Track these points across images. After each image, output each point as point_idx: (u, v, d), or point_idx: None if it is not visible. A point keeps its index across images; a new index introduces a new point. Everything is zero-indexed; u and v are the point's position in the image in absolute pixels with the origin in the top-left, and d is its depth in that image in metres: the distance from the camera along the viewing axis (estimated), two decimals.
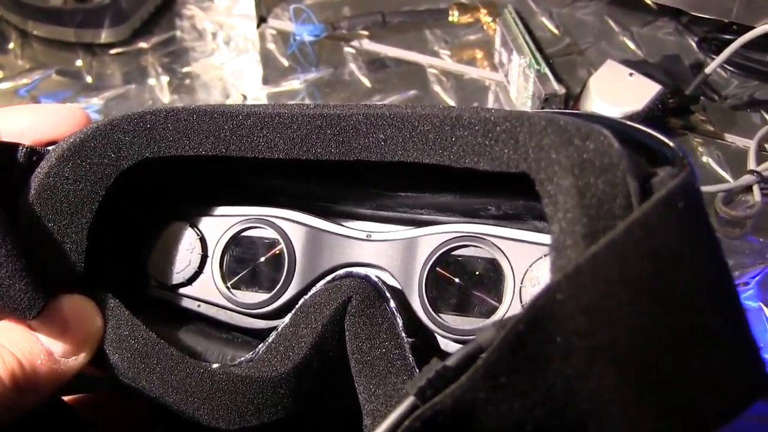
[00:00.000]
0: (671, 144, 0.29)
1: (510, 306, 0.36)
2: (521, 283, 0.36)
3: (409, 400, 0.25)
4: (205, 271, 0.40)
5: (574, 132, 0.27)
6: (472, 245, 0.37)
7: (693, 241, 0.24)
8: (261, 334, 0.40)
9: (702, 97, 0.65)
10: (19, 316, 0.31)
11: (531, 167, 0.28)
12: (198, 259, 0.40)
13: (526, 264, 0.36)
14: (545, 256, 0.35)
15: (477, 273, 0.37)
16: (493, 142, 0.29)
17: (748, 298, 0.55)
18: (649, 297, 0.23)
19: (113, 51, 0.76)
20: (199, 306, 0.40)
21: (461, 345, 0.37)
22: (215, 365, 0.36)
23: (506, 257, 0.36)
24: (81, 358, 0.33)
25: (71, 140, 0.34)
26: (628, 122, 0.32)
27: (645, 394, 0.24)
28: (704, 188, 0.60)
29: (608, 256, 0.23)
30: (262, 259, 0.40)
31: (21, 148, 0.34)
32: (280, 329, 0.37)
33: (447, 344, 0.37)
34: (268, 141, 0.34)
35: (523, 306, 0.35)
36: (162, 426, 0.37)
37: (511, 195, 0.35)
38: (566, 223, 0.25)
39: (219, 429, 0.34)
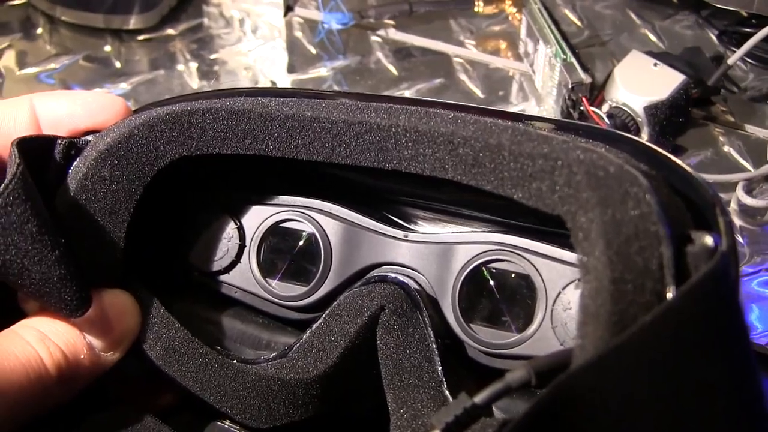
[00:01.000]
0: (711, 192, 0.29)
1: (541, 325, 0.36)
2: (553, 305, 0.36)
3: None
4: (242, 260, 0.40)
5: (614, 192, 0.26)
6: (506, 260, 0.37)
7: (719, 337, 0.24)
8: (295, 324, 0.40)
9: (722, 89, 0.67)
10: (66, 316, 0.31)
11: (567, 216, 0.28)
12: (236, 248, 0.40)
13: (559, 286, 0.36)
14: (578, 281, 0.35)
15: (511, 287, 0.37)
16: (531, 179, 0.29)
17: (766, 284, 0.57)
18: (669, 390, 0.23)
19: (141, 37, 0.77)
20: (236, 293, 0.41)
21: (489, 356, 0.37)
22: (250, 356, 0.37)
23: (540, 276, 0.36)
24: (119, 353, 0.33)
25: (108, 140, 0.34)
26: (673, 158, 0.31)
27: None
28: (725, 177, 0.62)
29: (632, 347, 0.23)
30: (299, 252, 0.40)
31: (59, 142, 0.34)
32: (313, 329, 0.37)
33: (475, 353, 0.38)
34: (306, 145, 0.34)
35: (553, 327, 0.35)
36: (189, 410, 0.38)
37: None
38: (595, 292, 0.25)
39: (249, 426, 0.35)
